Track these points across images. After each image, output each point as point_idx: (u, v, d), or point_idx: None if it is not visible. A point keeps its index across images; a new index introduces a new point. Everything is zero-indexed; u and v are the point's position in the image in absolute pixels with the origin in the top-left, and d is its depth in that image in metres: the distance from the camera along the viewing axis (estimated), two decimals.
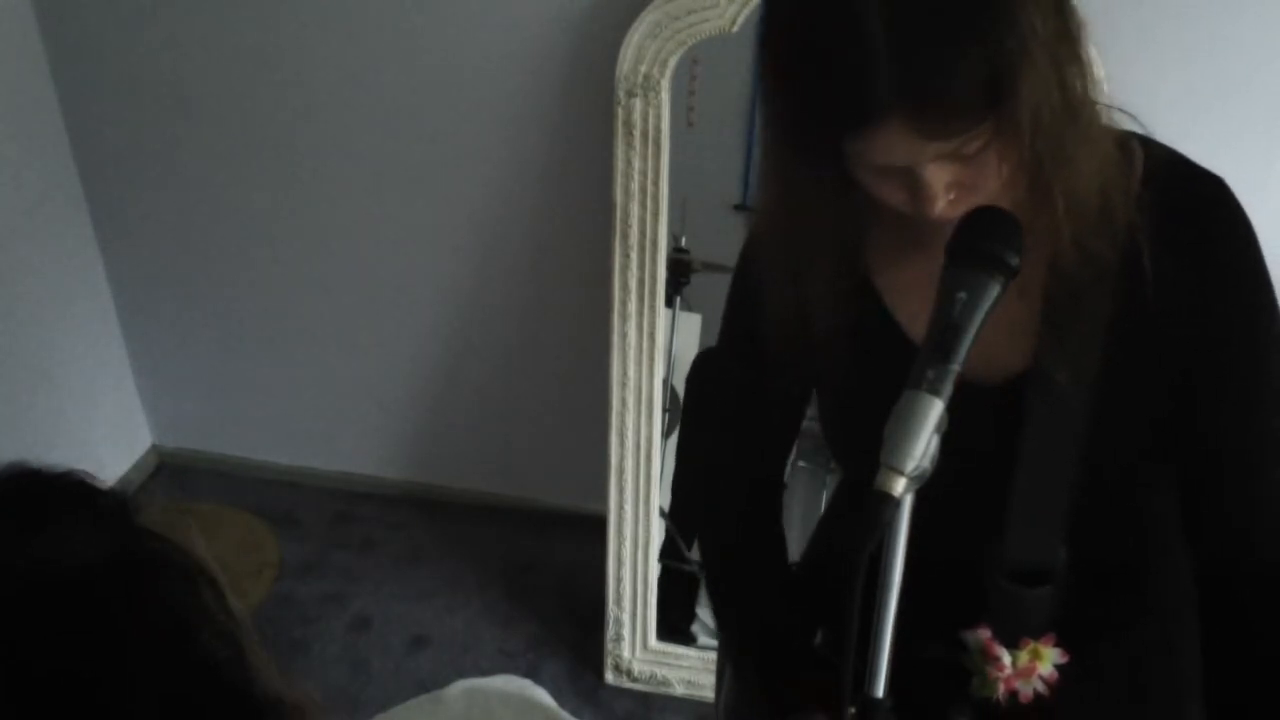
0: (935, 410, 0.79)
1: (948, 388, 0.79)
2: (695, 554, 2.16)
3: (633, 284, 2.01)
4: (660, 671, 2.22)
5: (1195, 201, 0.90)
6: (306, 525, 2.59)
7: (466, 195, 2.24)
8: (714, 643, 2.06)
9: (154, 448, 2.77)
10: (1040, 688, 0.98)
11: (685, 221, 2.06)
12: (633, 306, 2.03)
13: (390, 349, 2.48)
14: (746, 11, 1.83)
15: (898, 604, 0.82)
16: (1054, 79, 0.78)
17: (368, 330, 2.47)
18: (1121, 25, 1.75)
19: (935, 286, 0.84)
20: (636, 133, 1.92)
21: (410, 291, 2.39)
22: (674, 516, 2.20)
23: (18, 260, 2.29)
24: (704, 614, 2.24)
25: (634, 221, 1.97)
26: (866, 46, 0.75)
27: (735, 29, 1.84)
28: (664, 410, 2.13)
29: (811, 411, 1.13)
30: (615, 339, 2.06)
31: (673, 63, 1.89)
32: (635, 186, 1.95)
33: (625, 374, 2.08)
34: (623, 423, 2.11)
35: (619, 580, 2.20)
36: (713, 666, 1.54)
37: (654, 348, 2.06)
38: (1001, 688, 0.97)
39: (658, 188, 1.95)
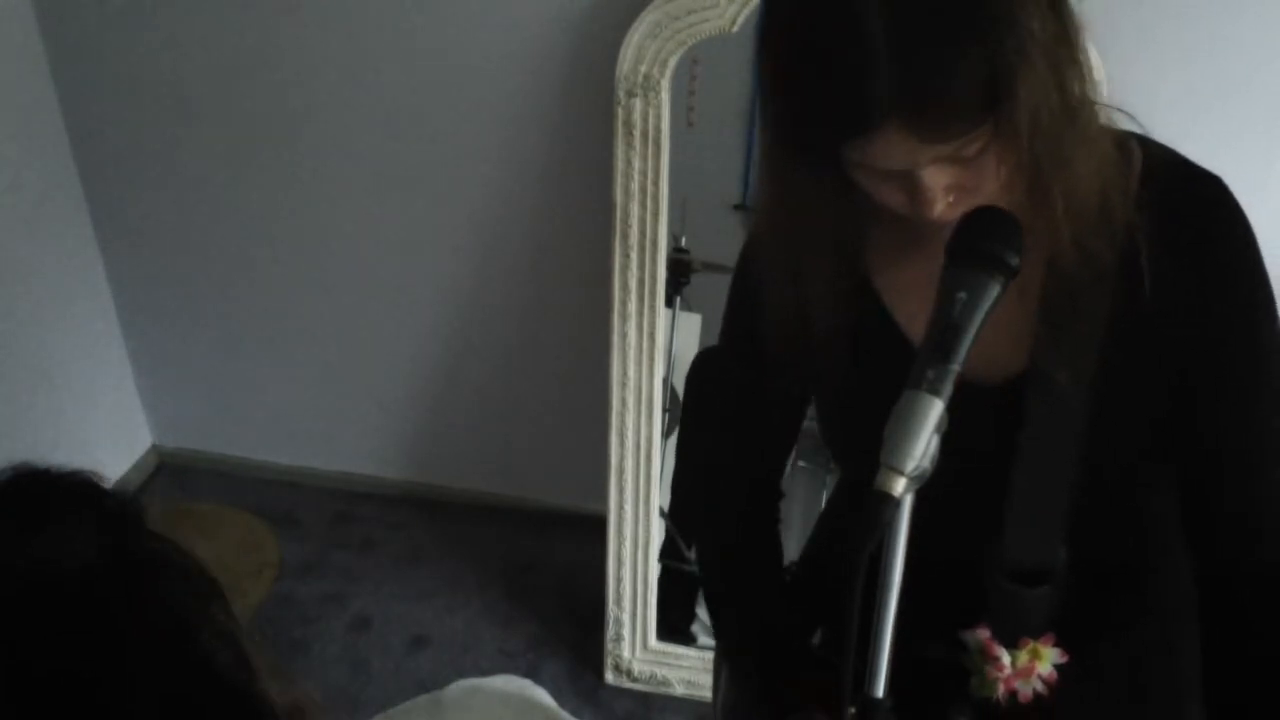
0: (935, 410, 0.79)
1: (948, 388, 0.79)
2: (695, 554, 2.16)
3: (633, 284, 2.01)
4: (660, 671, 2.22)
5: (1194, 201, 0.90)
6: (306, 525, 2.59)
7: (466, 195, 2.24)
8: (713, 643, 2.07)
9: (154, 448, 2.77)
10: (1040, 687, 0.98)
11: (685, 221, 2.06)
12: (633, 306, 2.03)
13: (390, 349, 2.48)
14: (746, 11, 1.83)
15: (897, 604, 0.83)
16: (1052, 81, 0.78)
17: (368, 330, 2.47)
18: (1121, 25, 1.75)
19: (934, 287, 0.84)
20: (636, 133, 1.92)
21: (410, 291, 2.39)
22: (674, 516, 2.20)
23: (18, 260, 2.29)
24: (704, 614, 2.24)
25: (634, 221, 1.97)
26: (865, 50, 0.75)
27: (735, 29, 1.84)
28: (664, 410, 2.13)
29: (811, 412, 1.13)
30: (615, 339, 2.06)
31: (673, 63, 1.89)
32: (635, 186, 1.95)
33: (625, 374, 2.08)
34: (623, 423, 2.11)
35: (619, 580, 2.20)
36: (712, 667, 1.54)
37: (654, 348, 2.06)
38: (1001, 687, 0.97)
39: (658, 188, 1.95)
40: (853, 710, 0.84)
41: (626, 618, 2.21)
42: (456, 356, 2.46)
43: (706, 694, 2.11)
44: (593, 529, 2.23)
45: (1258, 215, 0.92)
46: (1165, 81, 1.82)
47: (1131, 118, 0.91)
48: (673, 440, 2.18)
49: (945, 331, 0.80)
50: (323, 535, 2.57)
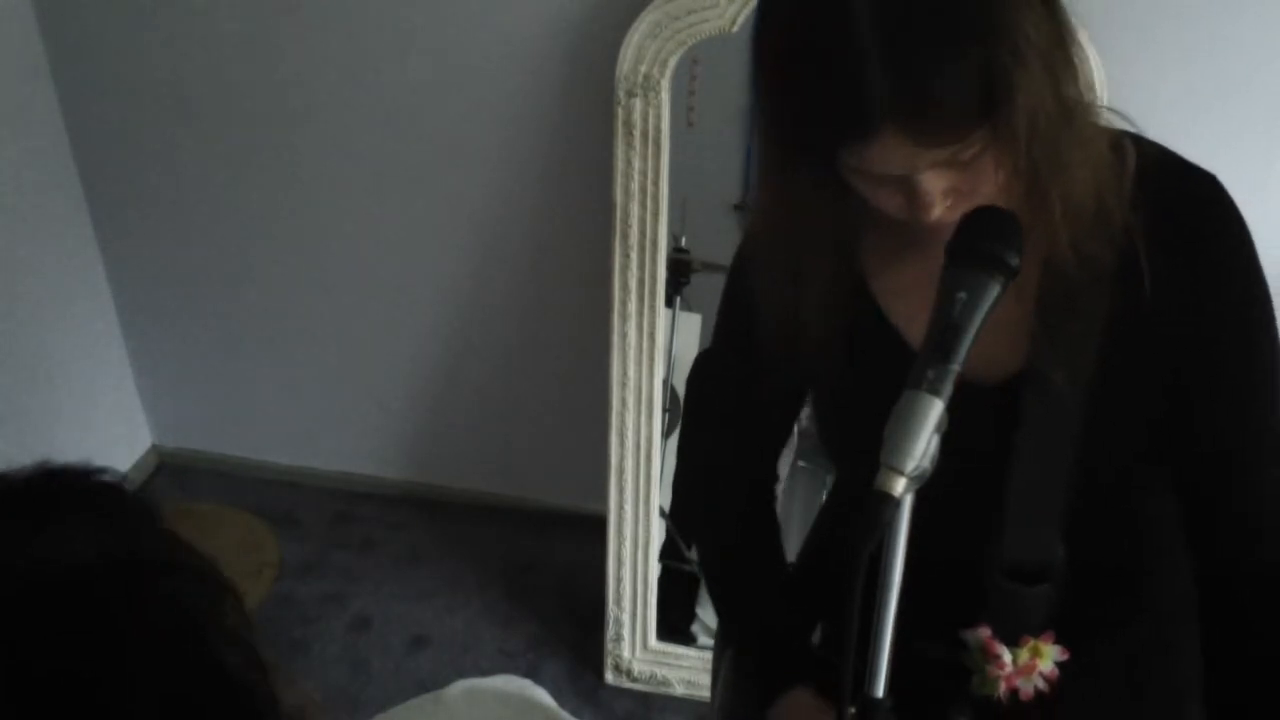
0: (935, 410, 0.79)
1: (948, 388, 0.79)
2: (695, 554, 2.16)
3: (633, 284, 2.01)
4: (660, 671, 2.22)
5: (1188, 200, 0.90)
6: (306, 525, 2.59)
7: (466, 195, 2.24)
8: (713, 643, 2.06)
9: (154, 448, 2.77)
10: (1041, 685, 0.98)
11: (685, 221, 2.06)
12: (633, 306, 2.03)
13: (390, 349, 2.48)
14: (746, 11, 1.83)
15: (897, 603, 0.83)
16: (1048, 84, 0.78)
17: (368, 330, 2.47)
18: (1121, 25, 1.75)
19: (932, 288, 0.84)
20: (636, 133, 1.92)
21: (410, 291, 2.39)
22: (674, 516, 2.20)
23: (18, 260, 2.29)
24: (704, 614, 2.25)
25: (634, 221, 1.97)
26: (861, 56, 0.75)
27: (735, 29, 1.84)
28: (664, 410, 2.13)
29: (810, 412, 1.13)
30: (615, 339, 2.06)
31: (673, 63, 1.89)
32: (635, 186, 1.95)
33: (625, 374, 2.08)
34: (623, 423, 2.11)
35: (619, 580, 2.20)
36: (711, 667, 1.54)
37: (654, 348, 2.06)
38: (1002, 686, 0.98)
39: (658, 188, 1.95)
40: (853, 710, 0.84)
41: (626, 618, 2.21)
42: (456, 356, 2.46)
43: (706, 694, 2.10)
44: (593, 529, 2.23)
45: (1257, 215, 0.92)
46: (1165, 81, 1.82)
47: (1124, 117, 0.91)
48: (673, 440, 2.18)
49: (945, 331, 0.80)
50: (323, 535, 2.57)
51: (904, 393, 0.80)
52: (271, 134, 2.27)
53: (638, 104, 1.91)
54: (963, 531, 0.92)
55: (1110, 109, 0.92)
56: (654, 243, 1.99)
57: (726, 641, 1.26)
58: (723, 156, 2.10)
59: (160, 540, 0.59)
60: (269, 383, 2.61)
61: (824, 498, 1.72)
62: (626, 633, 2.22)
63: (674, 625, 2.25)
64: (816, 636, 1.15)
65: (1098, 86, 1.60)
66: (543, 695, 0.97)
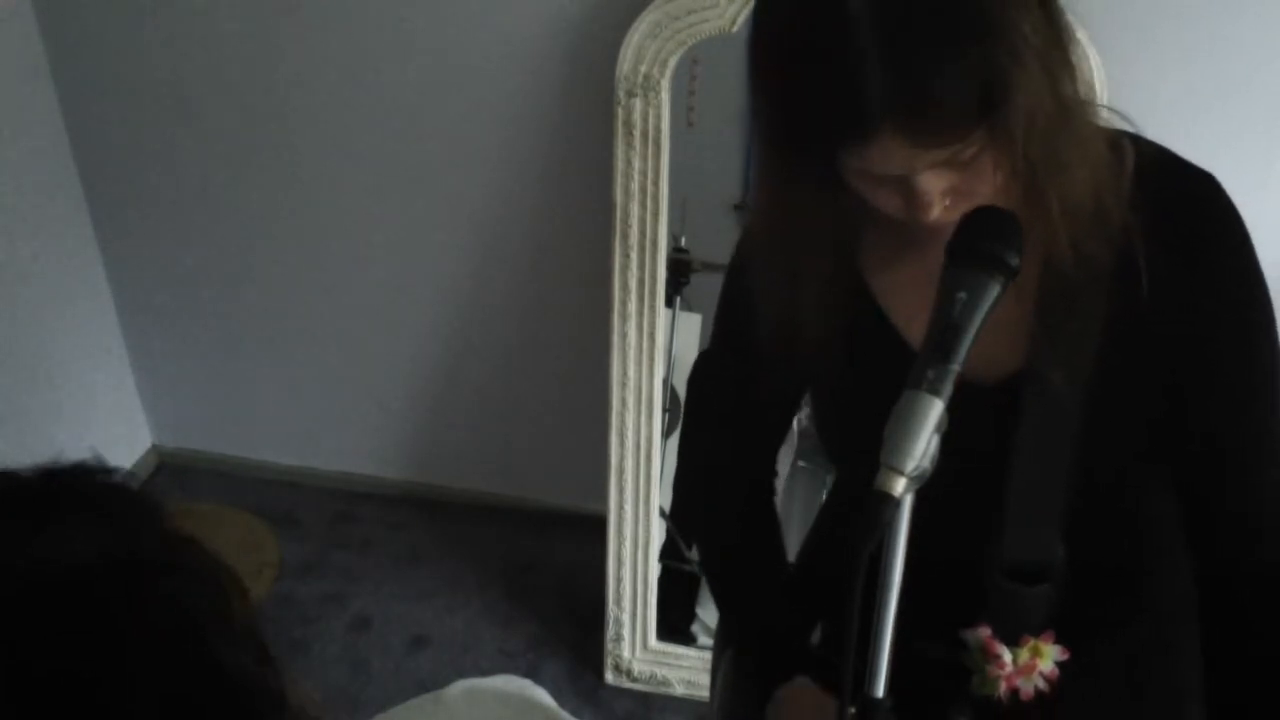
0: (935, 410, 0.79)
1: (948, 388, 0.79)
2: (695, 554, 2.16)
3: (633, 284, 2.01)
4: (660, 671, 2.22)
5: (1186, 199, 0.90)
6: (306, 525, 2.59)
7: (466, 195, 2.24)
8: (712, 643, 2.07)
9: (154, 448, 2.77)
10: (1041, 685, 0.98)
11: (685, 221, 2.06)
12: (633, 306, 2.03)
13: (390, 349, 2.48)
14: (746, 11, 1.83)
15: (897, 603, 0.83)
16: (1046, 84, 0.78)
17: (368, 330, 2.47)
18: (1121, 25, 1.75)
19: (931, 287, 0.84)
20: (636, 133, 1.92)
21: (410, 291, 2.39)
22: (674, 516, 2.20)
23: (18, 260, 2.29)
24: (704, 614, 2.25)
25: (634, 221, 1.97)
26: (859, 57, 0.75)
27: (735, 29, 1.84)
28: (664, 410, 2.13)
29: (810, 412, 1.13)
30: (615, 339, 2.06)
31: (673, 63, 1.89)
32: (635, 186, 1.95)
33: (625, 374, 2.08)
34: (623, 423, 2.11)
35: (619, 580, 2.20)
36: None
37: (654, 348, 2.06)
38: (1003, 685, 0.98)
39: (658, 188, 1.95)
40: (853, 710, 0.84)
41: (626, 618, 2.21)
42: (456, 356, 2.46)
43: (706, 694, 2.11)
44: (593, 529, 2.23)
45: (1257, 215, 0.92)
46: (1165, 81, 1.82)
47: (1122, 116, 0.91)
48: (673, 440, 2.18)
49: (945, 331, 0.80)
50: (323, 535, 2.57)
51: (904, 393, 0.80)
52: (271, 134, 2.27)
53: (638, 104, 1.91)
54: (963, 531, 0.92)
55: (1110, 109, 0.92)
56: (654, 243, 1.99)
57: (726, 641, 1.26)
58: (723, 156, 2.10)
59: (162, 539, 0.58)
60: (269, 383, 2.61)
61: (824, 498, 1.73)
62: (626, 633, 2.22)
63: (674, 625, 2.25)
64: (816, 636, 1.15)
65: (1097, 86, 1.60)
66: (543, 695, 0.97)
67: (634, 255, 1.99)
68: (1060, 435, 0.91)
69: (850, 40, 0.75)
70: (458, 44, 2.07)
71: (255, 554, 2.49)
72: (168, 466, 2.76)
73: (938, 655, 0.99)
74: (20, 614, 0.52)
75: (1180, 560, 1.01)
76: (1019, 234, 0.83)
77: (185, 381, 2.66)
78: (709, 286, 2.07)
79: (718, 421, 1.18)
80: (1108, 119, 0.91)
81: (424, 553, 2.52)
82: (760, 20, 0.84)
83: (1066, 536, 0.95)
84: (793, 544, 1.23)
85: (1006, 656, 0.97)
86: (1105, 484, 0.97)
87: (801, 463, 2.11)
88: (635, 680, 2.23)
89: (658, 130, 1.92)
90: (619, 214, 1.97)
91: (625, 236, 1.98)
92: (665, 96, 1.91)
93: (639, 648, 2.23)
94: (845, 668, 0.81)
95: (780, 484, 1.27)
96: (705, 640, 2.21)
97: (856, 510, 0.79)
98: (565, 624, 2.34)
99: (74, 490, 0.58)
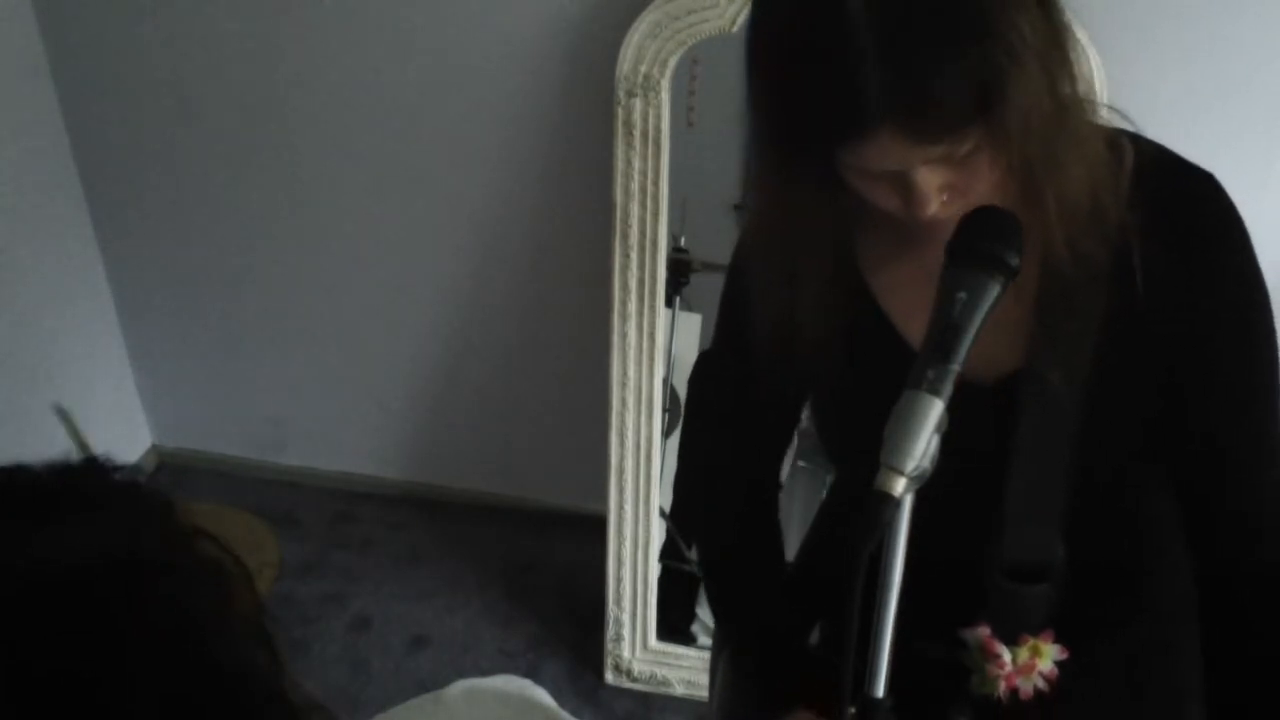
0: (935, 410, 0.79)
1: (948, 388, 0.79)
2: (695, 554, 2.16)
3: (633, 284, 2.02)
4: (660, 671, 2.22)
5: (1185, 198, 0.90)
6: (306, 525, 2.59)
7: (466, 195, 2.24)
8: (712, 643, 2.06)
9: (154, 448, 2.77)
10: (1041, 684, 0.98)
11: (685, 221, 2.06)
12: (633, 306, 2.03)
13: (390, 349, 2.48)
14: (746, 11, 1.83)
15: (897, 603, 0.83)
16: (1044, 83, 0.78)
17: (368, 330, 2.47)
18: (1121, 25, 1.75)
19: (929, 285, 0.84)
20: (636, 133, 1.92)
21: (410, 291, 2.39)
22: (674, 516, 2.20)
23: (18, 260, 2.29)
24: (704, 614, 2.24)
25: (634, 221, 1.98)
26: (856, 54, 0.75)
27: (735, 29, 1.84)
28: (664, 410, 2.13)
29: (810, 412, 1.13)
30: (615, 339, 2.06)
31: (673, 63, 1.89)
32: (635, 186, 1.95)
33: (625, 374, 2.08)
34: (623, 423, 2.11)
35: (619, 580, 2.20)
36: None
37: (654, 348, 2.06)
38: (1002, 685, 0.98)
39: (658, 188, 1.95)
40: (853, 710, 0.84)
41: (626, 618, 2.21)
42: (456, 356, 2.46)
43: (706, 694, 2.11)
44: (593, 529, 2.23)
45: (1257, 215, 0.92)
46: (1165, 81, 1.82)
47: (1126, 117, 0.91)
48: (673, 440, 2.18)
49: (945, 331, 0.80)
50: (323, 535, 2.57)
51: (904, 393, 0.80)
52: (271, 134, 2.27)
53: (638, 104, 1.91)
54: (962, 531, 0.92)
55: (1110, 108, 0.91)
56: (654, 243, 1.99)
57: (725, 641, 1.26)
58: (723, 156, 2.08)
59: (163, 538, 0.58)
60: (269, 383, 2.61)
61: (824, 498, 1.73)
62: (626, 633, 2.22)
63: (674, 625, 2.25)
64: (815, 636, 1.15)
65: (1096, 86, 1.60)
66: (543, 695, 0.97)
67: (634, 255, 1.99)
68: (1059, 435, 0.91)
69: (849, 40, 0.75)
70: (458, 44, 2.07)
71: (255, 554, 2.49)
72: (168, 466, 2.77)
73: (937, 655, 0.99)
74: (20, 614, 0.52)
75: (1180, 560, 1.01)
76: (1019, 234, 0.83)
77: (185, 381, 2.66)
78: (709, 286, 2.07)
79: (718, 421, 1.18)
80: (1107, 118, 0.91)
81: (424, 553, 2.52)
82: (759, 20, 0.84)
83: (1066, 536, 0.95)
84: (792, 544, 1.23)
85: (1006, 656, 0.97)
86: (1104, 483, 0.97)
87: (801, 463, 2.11)
88: (635, 680, 2.23)
89: (658, 130, 1.92)
90: (619, 214, 1.97)
91: (625, 236, 1.98)
92: (665, 96, 1.91)
93: (639, 648, 2.23)
94: (845, 668, 0.81)
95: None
96: (705, 640, 2.21)
97: (856, 510, 0.79)
98: (565, 624, 2.34)
99: (76, 489, 0.58)
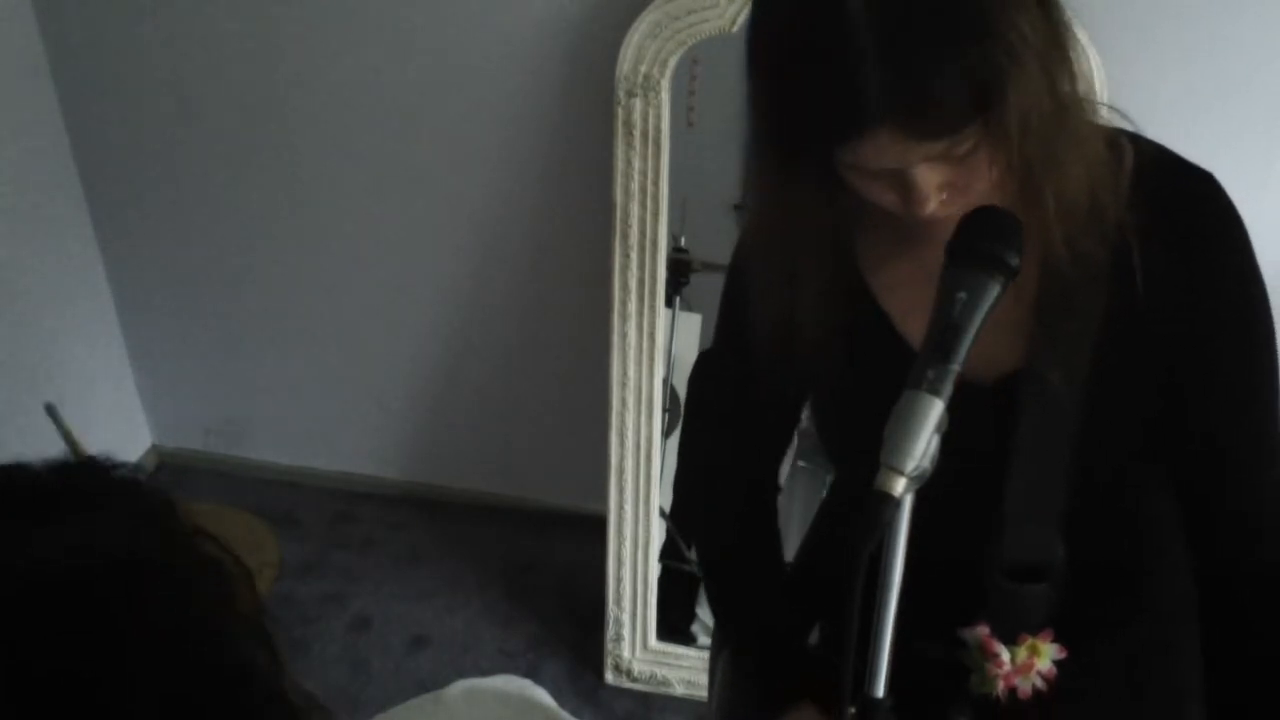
0: (935, 410, 0.79)
1: (948, 388, 0.79)
2: (695, 554, 2.16)
3: (633, 284, 2.02)
4: (660, 671, 2.22)
5: (1184, 198, 0.90)
6: (306, 525, 2.59)
7: (466, 195, 2.24)
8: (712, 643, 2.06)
9: (154, 448, 2.77)
10: (1039, 684, 0.98)
11: (685, 221, 2.06)
12: (633, 306, 2.03)
13: (390, 349, 2.48)
14: (746, 11, 1.83)
15: (897, 603, 0.83)
16: (1043, 82, 0.78)
17: (368, 330, 2.47)
18: (1121, 25, 1.75)
19: (929, 285, 0.84)
20: (636, 133, 1.92)
21: (410, 291, 2.39)
22: (674, 516, 2.20)
23: (18, 260, 2.29)
24: (704, 614, 2.24)
25: (634, 221, 1.98)
26: (856, 53, 0.75)
27: (735, 29, 1.84)
28: (664, 410, 2.13)
29: (810, 412, 1.13)
30: (615, 339, 2.06)
31: (673, 63, 1.89)
32: (635, 186, 1.95)
33: (625, 374, 2.08)
34: (623, 423, 2.11)
35: (619, 580, 2.20)
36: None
37: (654, 348, 2.06)
38: (1001, 684, 0.98)
39: (658, 188, 1.95)
40: (853, 710, 0.84)
41: (626, 618, 2.21)
42: (456, 356, 2.46)
43: (706, 694, 2.11)
44: (593, 529, 2.23)
45: (1257, 215, 0.92)
46: (1165, 81, 1.82)
47: (1126, 117, 0.91)
48: (673, 440, 2.18)
49: (945, 331, 0.80)
50: (323, 535, 2.57)
51: (904, 393, 0.80)
52: (271, 134, 2.27)
53: (638, 104, 1.91)
54: (962, 531, 0.92)
55: (1110, 108, 0.91)
56: (654, 243, 1.99)
57: (725, 641, 1.26)
58: (723, 156, 2.08)
59: (164, 538, 0.58)
60: (269, 383, 2.61)
61: (824, 497, 1.73)
62: (626, 633, 2.22)
63: (674, 625, 2.25)
64: (815, 636, 1.15)
65: (1096, 86, 1.60)
66: (543, 695, 0.97)
67: (634, 255, 1.99)
68: (1059, 435, 0.91)
69: (849, 40, 0.75)
70: (458, 44, 2.07)
71: (255, 554, 2.48)
72: (168, 466, 2.77)
73: (937, 655, 0.99)
74: (20, 614, 0.52)
75: (1180, 560, 1.01)
76: (1019, 234, 0.83)
77: (185, 381, 2.66)
78: (709, 286, 2.07)
79: (718, 421, 1.18)
80: (1107, 118, 0.91)
81: (424, 553, 2.52)
82: (759, 20, 0.84)
83: (1066, 536, 0.95)
84: (792, 544, 1.23)
85: (1004, 655, 0.97)
86: (1104, 483, 0.97)
87: (801, 463, 2.11)
88: (635, 680, 2.23)
89: (658, 130, 1.92)
90: (619, 214, 1.97)
91: (625, 236, 1.98)
92: (665, 96, 1.91)
93: (639, 648, 2.23)
94: (845, 668, 0.81)
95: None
96: (705, 640, 2.21)
97: (856, 510, 0.79)
98: (565, 624, 2.34)
99: (76, 488, 0.58)
